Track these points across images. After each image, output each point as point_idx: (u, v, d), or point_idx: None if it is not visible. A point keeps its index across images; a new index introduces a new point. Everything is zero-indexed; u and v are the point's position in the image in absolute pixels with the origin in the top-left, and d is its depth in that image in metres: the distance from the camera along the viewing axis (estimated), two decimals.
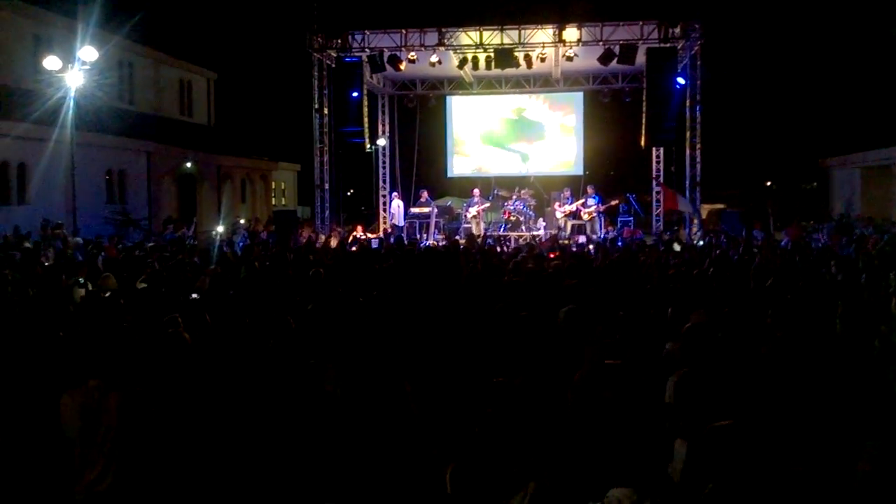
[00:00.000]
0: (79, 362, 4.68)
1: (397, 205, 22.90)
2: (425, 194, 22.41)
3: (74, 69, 17.30)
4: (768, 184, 33.92)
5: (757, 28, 34.00)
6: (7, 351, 6.15)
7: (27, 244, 15.23)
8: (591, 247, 16.40)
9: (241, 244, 17.80)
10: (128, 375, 4.52)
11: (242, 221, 24.53)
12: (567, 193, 21.46)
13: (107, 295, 8.65)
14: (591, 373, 4.86)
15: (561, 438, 4.03)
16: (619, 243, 17.43)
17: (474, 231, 20.79)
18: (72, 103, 17.64)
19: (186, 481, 4.64)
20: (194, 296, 8.36)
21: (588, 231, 20.30)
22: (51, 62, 17.21)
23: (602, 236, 19.64)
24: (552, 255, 13.09)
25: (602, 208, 20.87)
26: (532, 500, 2.72)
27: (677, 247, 14.47)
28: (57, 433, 4.47)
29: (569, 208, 20.96)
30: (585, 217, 20.75)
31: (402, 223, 22.26)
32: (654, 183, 22.21)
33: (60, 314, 7.57)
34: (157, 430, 4.46)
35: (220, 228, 18.55)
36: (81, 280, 9.94)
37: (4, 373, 5.79)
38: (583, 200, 20.97)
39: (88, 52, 17.39)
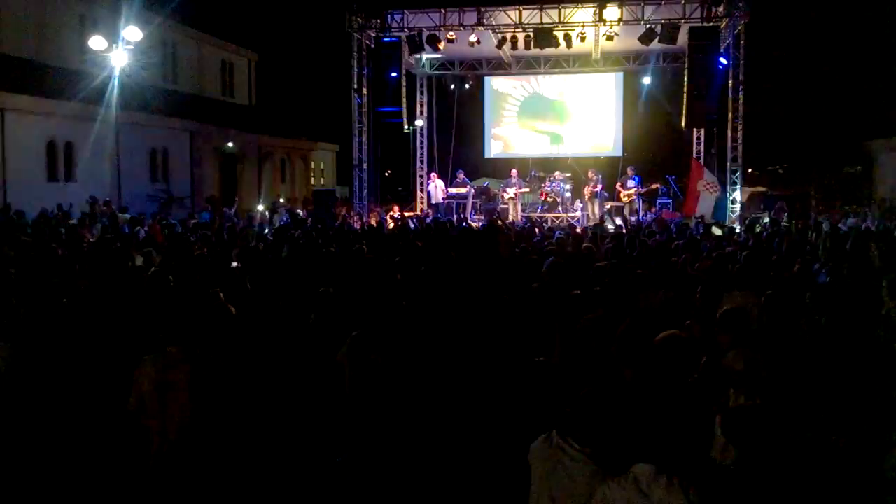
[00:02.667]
0: (156, 331, 4.87)
1: (435, 185, 22.92)
2: (462, 175, 22.45)
3: (119, 49, 17.62)
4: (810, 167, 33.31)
5: (801, 6, 33.24)
6: (66, 324, 6.35)
7: (72, 221, 15.62)
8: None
9: (283, 222, 18.03)
10: (201, 344, 4.71)
11: (282, 200, 24.85)
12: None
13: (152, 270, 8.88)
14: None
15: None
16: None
17: (511, 212, 20.80)
18: (116, 83, 17.98)
19: (243, 445, 4.82)
20: (234, 264, 8.56)
21: (626, 213, 20.13)
22: (96, 42, 17.56)
23: (642, 218, 19.49)
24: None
25: (642, 190, 20.67)
26: None
27: (717, 231, 14.30)
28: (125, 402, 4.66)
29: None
30: (624, 199, 20.59)
31: (441, 203, 22.27)
32: (692, 163, 21.91)
33: (132, 286, 7.75)
34: (223, 396, 4.64)
35: (261, 207, 18.80)
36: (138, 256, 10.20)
37: (69, 345, 5.99)
38: (622, 182, 20.80)
39: (133, 32, 17.69)
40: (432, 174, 23.19)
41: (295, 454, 4.97)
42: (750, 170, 30.17)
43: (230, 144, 28.84)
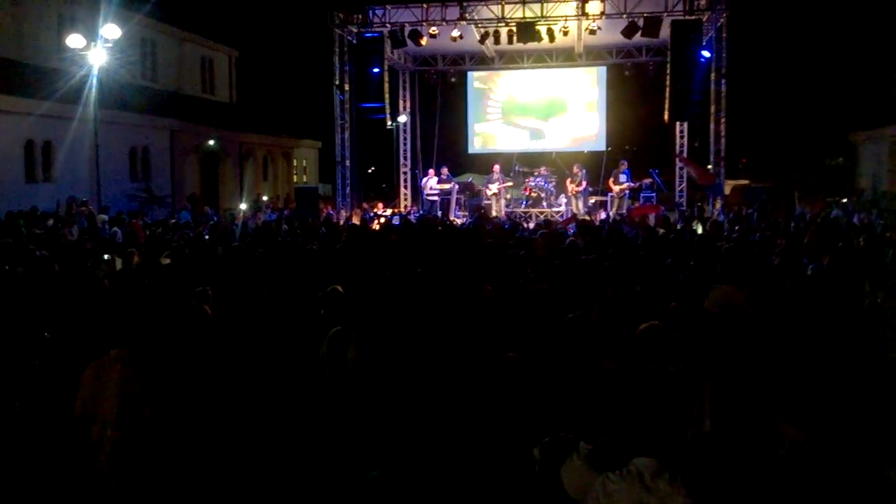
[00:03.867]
0: (103, 334, 4.79)
1: (429, 181, 22.47)
2: (445, 171, 22.29)
3: (97, 47, 17.40)
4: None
5: None
6: (32, 328, 6.24)
7: (50, 221, 15.43)
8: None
9: (270, 217, 17.91)
10: (149, 347, 4.61)
11: (265, 198, 24.68)
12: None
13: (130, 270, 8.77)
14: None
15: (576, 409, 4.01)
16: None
17: (494, 208, 20.72)
18: (95, 81, 17.76)
19: (198, 454, 4.71)
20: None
21: (615, 208, 20.09)
22: (74, 40, 17.32)
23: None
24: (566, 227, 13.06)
25: (634, 186, 20.59)
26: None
27: (698, 228, 14.29)
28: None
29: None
30: (616, 192, 20.52)
31: (436, 199, 21.96)
32: (676, 158, 21.97)
33: (88, 289, 7.65)
34: (169, 401, 4.55)
35: (243, 206, 18.65)
36: (107, 257, 10.06)
37: (31, 350, 5.89)
38: (614, 176, 20.74)
39: (111, 30, 17.48)
40: (429, 170, 22.84)
41: (278, 456, 4.88)
42: (744, 160, 30.24)
43: (211, 142, 28.60)
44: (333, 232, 13.55)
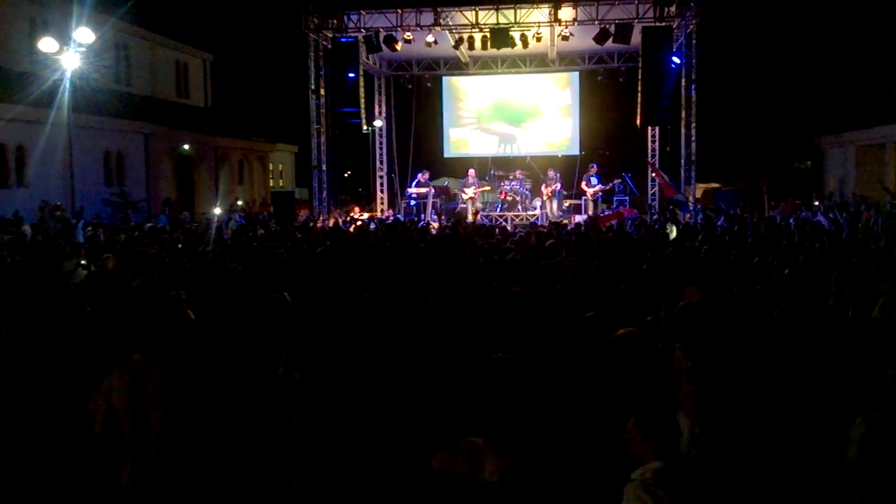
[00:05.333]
0: (122, 340, 4.72)
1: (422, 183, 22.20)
2: (426, 175, 22.31)
3: (70, 51, 17.31)
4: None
5: (752, 6, 33.90)
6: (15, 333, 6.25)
7: (24, 227, 15.34)
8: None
9: (239, 223, 17.89)
10: (167, 349, 4.59)
11: (240, 203, 24.64)
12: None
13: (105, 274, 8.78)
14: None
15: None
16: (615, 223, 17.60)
17: (470, 211, 20.87)
18: (68, 85, 17.66)
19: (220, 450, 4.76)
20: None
21: (591, 211, 20.37)
22: (46, 44, 17.20)
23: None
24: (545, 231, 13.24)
25: (606, 188, 20.88)
26: None
27: (672, 230, 14.53)
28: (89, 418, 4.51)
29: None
30: (590, 196, 20.80)
31: (441, 203, 21.91)
32: (647, 166, 22.28)
33: (57, 294, 7.64)
34: (197, 400, 4.53)
35: (217, 210, 18.61)
36: (84, 262, 10.06)
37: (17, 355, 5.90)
38: (586, 179, 21.02)
39: (84, 34, 17.37)
40: (419, 174, 22.52)
41: (254, 471, 4.94)
42: (725, 170, 30.62)
43: (186, 146, 28.50)
44: (310, 237, 13.60)
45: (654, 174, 21.14)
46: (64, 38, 17.64)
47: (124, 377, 4.38)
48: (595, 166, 21.25)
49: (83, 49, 17.58)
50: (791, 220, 15.73)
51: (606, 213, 20.01)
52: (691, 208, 19.07)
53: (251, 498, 4.78)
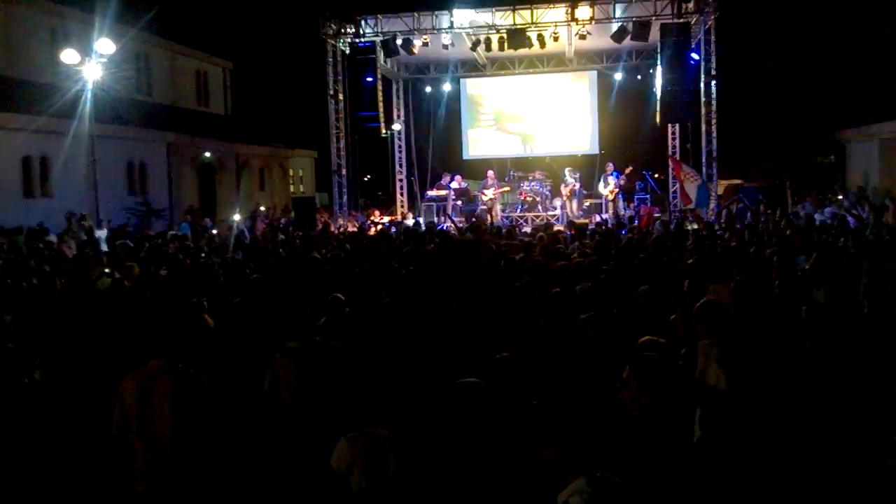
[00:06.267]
0: (139, 346, 4.79)
1: (456, 186, 22.18)
2: (448, 178, 22.21)
3: (92, 62, 17.51)
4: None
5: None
6: (44, 341, 6.32)
7: (50, 237, 15.52)
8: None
9: (240, 230, 17.77)
10: (182, 357, 4.63)
11: (262, 209, 24.76)
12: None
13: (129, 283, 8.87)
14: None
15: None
16: (636, 221, 17.53)
17: (490, 214, 20.82)
18: (90, 96, 17.86)
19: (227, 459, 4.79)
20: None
21: (611, 211, 20.26)
22: (68, 56, 17.42)
23: (625, 213, 19.67)
24: (572, 232, 13.19)
25: (622, 182, 20.72)
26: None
27: (694, 225, 14.45)
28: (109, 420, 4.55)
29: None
30: (609, 196, 20.67)
31: (462, 205, 21.78)
32: (670, 161, 22.12)
33: (89, 302, 7.74)
34: (206, 410, 4.56)
35: (237, 217, 18.70)
36: (107, 270, 10.16)
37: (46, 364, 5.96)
38: (604, 180, 20.90)
39: (105, 45, 17.57)
40: (458, 176, 22.47)
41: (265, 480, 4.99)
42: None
43: (207, 154, 28.71)
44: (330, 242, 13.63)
45: (675, 173, 20.94)
46: (85, 50, 17.84)
47: (136, 383, 4.42)
48: (611, 165, 21.13)
49: (104, 60, 17.78)
50: (816, 217, 15.57)
51: (630, 211, 19.94)
52: (714, 206, 18.94)
53: None
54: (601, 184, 20.89)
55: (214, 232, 17.81)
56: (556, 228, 14.66)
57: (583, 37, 19.36)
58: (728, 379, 4.40)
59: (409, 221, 20.20)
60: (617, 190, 20.58)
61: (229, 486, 4.81)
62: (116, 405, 4.44)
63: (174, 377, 4.45)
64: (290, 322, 5.46)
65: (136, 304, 7.38)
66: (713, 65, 19.62)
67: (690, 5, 18.84)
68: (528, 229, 17.79)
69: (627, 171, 20.76)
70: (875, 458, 3.91)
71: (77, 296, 8.08)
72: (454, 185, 21.86)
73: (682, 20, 18.81)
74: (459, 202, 22.12)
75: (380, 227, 19.34)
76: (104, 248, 14.37)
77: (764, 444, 4.13)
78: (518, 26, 19.34)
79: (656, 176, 21.92)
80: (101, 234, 16.84)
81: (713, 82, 19.72)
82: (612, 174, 20.69)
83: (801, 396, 4.52)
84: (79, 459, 5.19)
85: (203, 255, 12.50)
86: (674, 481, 3.52)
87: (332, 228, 18.38)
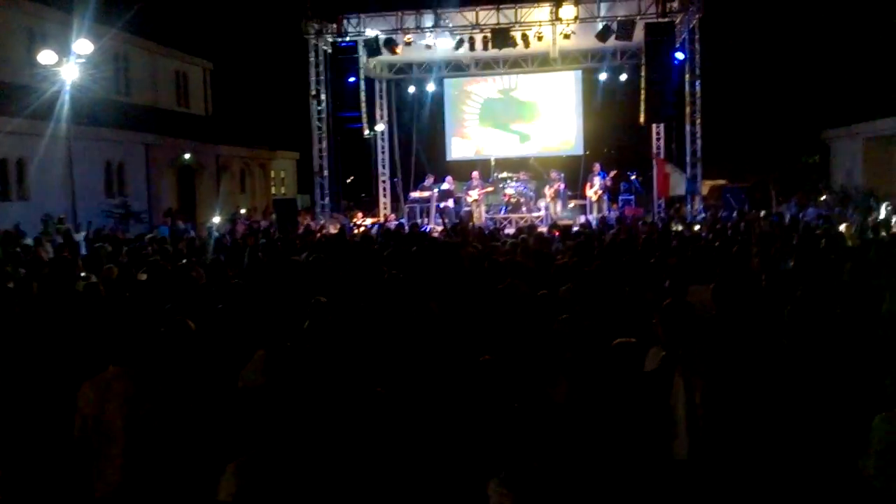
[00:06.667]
0: (98, 351, 4.70)
1: (447, 188, 21.93)
2: (431, 179, 22.14)
3: (70, 63, 17.24)
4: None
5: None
6: (18, 345, 6.16)
7: (27, 241, 15.24)
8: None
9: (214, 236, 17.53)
10: (145, 363, 4.52)
11: (242, 211, 24.52)
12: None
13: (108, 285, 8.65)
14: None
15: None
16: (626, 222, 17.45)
17: (475, 214, 20.69)
18: (67, 97, 17.59)
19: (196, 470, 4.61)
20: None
21: (596, 211, 20.21)
22: (46, 56, 17.14)
23: (608, 214, 19.62)
24: (555, 233, 13.06)
25: (608, 183, 20.69)
26: None
27: (678, 226, 14.39)
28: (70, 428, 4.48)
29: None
30: (593, 197, 20.62)
31: (452, 207, 21.51)
32: (654, 160, 22.13)
33: (67, 306, 7.55)
34: (167, 417, 4.44)
35: (216, 219, 18.48)
36: (83, 274, 9.94)
37: (17, 367, 5.80)
38: (590, 181, 20.85)
39: (83, 46, 17.30)
40: (448, 178, 22.20)
41: None
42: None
43: (187, 156, 28.42)
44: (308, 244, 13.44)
45: (658, 168, 20.95)
46: (63, 50, 17.57)
47: (93, 389, 4.38)
48: (598, 165, 21.09)
49: (82, 60, 17.52)
50: (801, 216, 15.56)
51: (614, 213, 19.89)
52: (699, 209, 18.94)
53: None
54: (588, 184, 20.83)
55: (192, 235, 17.54)
56: (539, 230, 14.51)
57: (567, 36, 19.27)
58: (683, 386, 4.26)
59: (393, 224, 20.01)
60: (601, 192, 20.54)
61: (184, 493, 4.63)
62: (76, 414, 4.41)
63: (131, 383, 4.38)
64: (269, 327, 5.32)
65: (110, 308, 7.18)
66: (697, 64, 19.60)
67: (675, 4, 18.82)
68: (510, 230, 17.66)
69: (612, 174, 20.75)
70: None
71: (54, 300, 7.89)
72: (445, 186, 21.69)
73: (666, 19, 18.76)
74: (449, 203, 21.94)
75: (363, 229, 19.15)
76: (83, 251, 14.11)
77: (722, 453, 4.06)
78: (502, 26, 19.23)
79: (640, 179, 21.84)
80: (80, 236, 16.56)
81: (697, 82, 19.70)
82: (598, 174, 20.63)
83: (777, 399, 4.42)
84: (43, 463, 5.07)
85: (183, 259, 12.28)
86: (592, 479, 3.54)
87: (315, 230, 18.16)
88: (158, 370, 4.60)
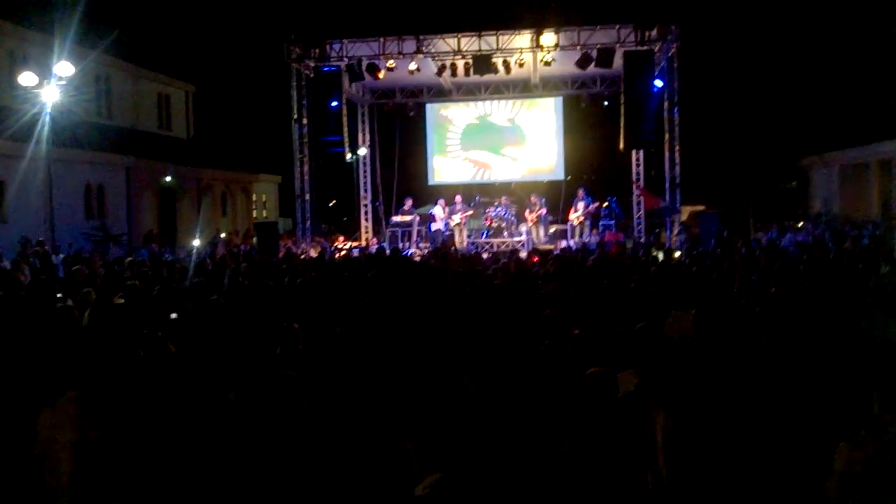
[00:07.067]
0: (58, 375, 4.65)
1: (439, 211, 21.95)
2: (409, 203, 22.28)
3: (50, 85, 17.18)
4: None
5: (733, 28, 34.20)
6: None
7: (4, 264, 15.06)
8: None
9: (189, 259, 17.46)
10: (106, 387, 4.46)
11: (223, 235, 24.40)
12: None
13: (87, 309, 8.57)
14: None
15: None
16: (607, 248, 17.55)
17: (457, 239, 20.75)
18: (48, 119, 17.50)
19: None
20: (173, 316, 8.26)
21: (577, 236, 20.37)
22: (26, 78, 17.08)
23: (589, 240, 19.76)
24: (534, 259, 13.11)
25: (592, 209, 20.86)
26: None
27: (659, 255, 14.45)
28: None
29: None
30: (575, 222, 20.78)
31: (444, 230, 21.57)
32: (633, 186, 22.33)
33: (42, 329, 7.48)
34: (129, 441, 4.39)
35: (196, 242, 18.38)
36: (59, 296, 9.84)
37: None
38: (574, 205, 21.00)
39: (64, 68, 17.26)
40: (441, 201, 22.12)
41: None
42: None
43: (168, 179, 28.28)
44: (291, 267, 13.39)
45: (640, 194, 21.16)
46: (44, 72, 17.51)
47: (50, 413, 4.36)
48: (582, 190, 21.29)
49: (63, 82, 17.46)
50: (780, 241, 15.71)
51: (595, 237, 20.00)
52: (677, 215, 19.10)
53: None
54: (571, 208, 20.99)
55: (170, 258, 17.42)
56: (520, 255, 14.57)
57: (548, 63, 19.46)
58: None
59: (374, 248, 20.01)
60: (583, 218, 20.70)
61: None
62: (38, 436, 4.38)
63: (83, 408, 4.31)
64: (246, 352, 5.27)
65: (84, 332, 7.11)
66: (676, 92, 19.85)
67: (653, 33, 19.04)
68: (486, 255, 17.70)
69: (597, 204, 20.94)
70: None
71: (30, 323, 7.80)
72: (437, 210, 21.75)
73: (645, 48, 19.01)
74: (423, 228, 21.96)
75: (343, 253, 19.13)
76: (61, 273, 13.97)
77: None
78: (483, 52, 19.40)
79: (620, 205, 22.05)
80: (58, 259, 16.39)
81: (676, 109, 19.94)
82: (583, 199, 20.78)
83: (753, 425, 4.45)
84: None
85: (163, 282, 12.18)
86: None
87: (296, 253, 18.11)
88: (123, 394, 4.54)
